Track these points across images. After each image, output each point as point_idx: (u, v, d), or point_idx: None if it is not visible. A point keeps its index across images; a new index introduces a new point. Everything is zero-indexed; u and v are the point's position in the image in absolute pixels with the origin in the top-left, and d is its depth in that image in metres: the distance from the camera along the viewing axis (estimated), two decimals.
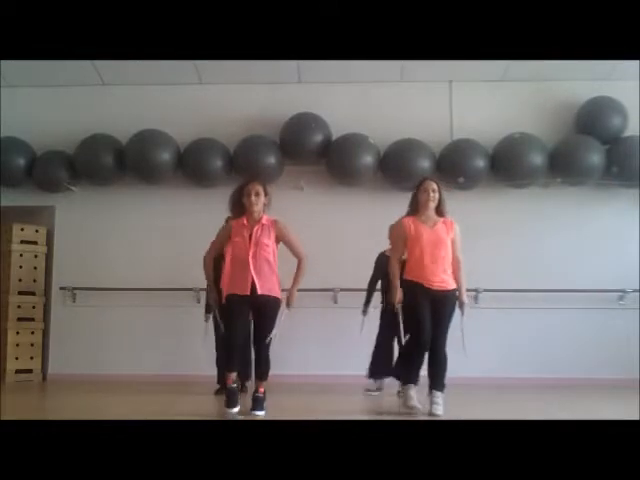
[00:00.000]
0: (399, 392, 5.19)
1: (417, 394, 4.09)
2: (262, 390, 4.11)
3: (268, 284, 4.03)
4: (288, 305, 4.10)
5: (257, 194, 4.06)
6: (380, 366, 5.31)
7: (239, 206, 4.13)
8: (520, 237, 6.39)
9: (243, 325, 4.11)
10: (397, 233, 4.30)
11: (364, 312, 5.41)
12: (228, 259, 4.10)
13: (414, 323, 4.08)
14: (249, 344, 4.27)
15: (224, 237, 4.18)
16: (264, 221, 4.10)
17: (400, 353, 4.67)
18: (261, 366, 4.11)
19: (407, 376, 4.20)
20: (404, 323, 4.22)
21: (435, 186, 4.19)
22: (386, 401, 5.12)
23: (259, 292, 3.99)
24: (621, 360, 6.13)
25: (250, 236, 4.03)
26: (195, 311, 6.23)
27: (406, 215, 4.28)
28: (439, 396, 4.05)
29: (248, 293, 3.99)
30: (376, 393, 5.27)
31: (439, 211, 4.21)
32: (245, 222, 4.08)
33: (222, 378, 5.45)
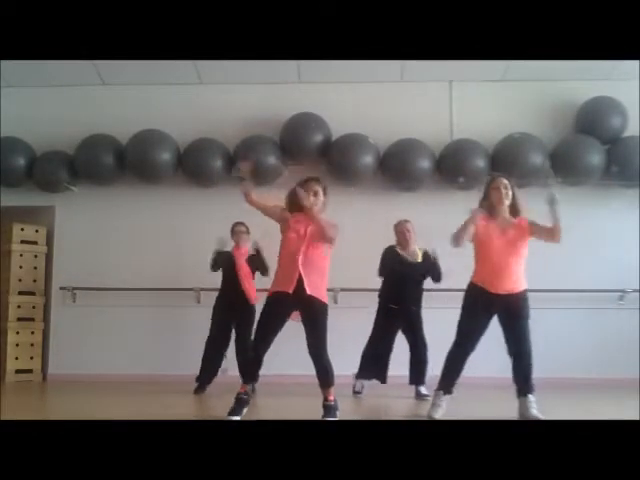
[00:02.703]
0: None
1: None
2: (331, 398, 3.83)
3: (316, 284, 3.80)
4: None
5: (316, 194, 3.90)
6: (371, 367, 5.30)
7: (297, 205, 3.90)
8: None
9: (276, 330, 3.86)
10: (470, 222, 3.97)
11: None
12: (280, 257, 3.92)
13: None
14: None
15: (275, 214, 3.95)
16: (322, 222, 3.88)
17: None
18: (321, 375, 3.83)
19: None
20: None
21: (507, 182, 3.99)
22: (385, 402, 5.13)
23: (307, 291, 3.76)
24: (621, 360, 6.12)
25: (305, 233, 3.83)
26: (195, 311, 6.24)
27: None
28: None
29: (291, 291, 3.76)
30: (362, 394, 5.26)
31: (513, 210, 4.00)
32: (302, 219, 3.89)
33: (203, 377, 5.48)
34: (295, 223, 3.89)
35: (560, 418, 3.61)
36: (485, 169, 6.37)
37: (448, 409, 3.98)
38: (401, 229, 5.32)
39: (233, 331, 5.55)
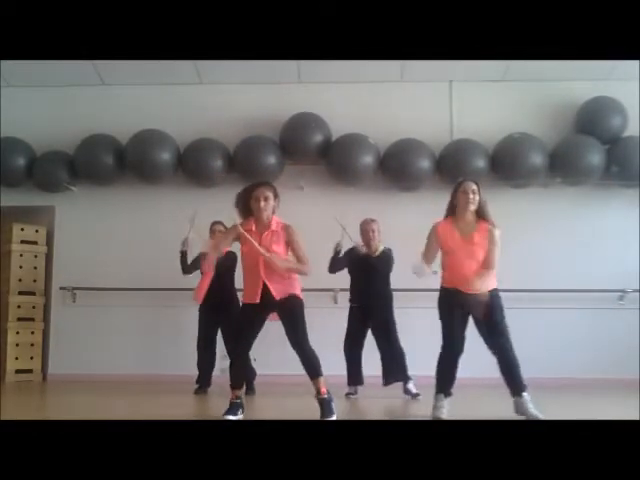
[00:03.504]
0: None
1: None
2: (324, 390, 3.81)
3: (282, 286, 3.86)
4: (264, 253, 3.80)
5: (266, 199, 3.87)
6: (354, 373, 5.31)
7: (246, 209, 3.95)
8: (520, 237, 6.37)
9: (250, 338, 3.94)
10: (430, 239, 4.09)
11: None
12: (243, 270, 3.97)
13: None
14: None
15: (227, 238, 4.03)
16: (274, 226, 3.90)
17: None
18: (306, 366, 3.85)
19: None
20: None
21: (475, 187, 3.98)
22: (386, 402, 5.12)
23: (276, 297, 3.84)
24: (621, 360, 6.12)
25: (260, 244, 3.83)
26: (195, 311, 6.23)
27: (442, 220, 4.08)
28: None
29: (258, 301, 3.83)
30: (355, 396, 5.26)
31: (480, 214, 4.00)
32: (253, 229, 3.89)
33: (202, 379, 5.49)
34: (247, 233, 3.86)
35: (560, 418, 3.60)
36: (485, 169, 6.37)
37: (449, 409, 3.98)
38: (366, 228, 5.31)
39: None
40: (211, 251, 4.25)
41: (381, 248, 5.32)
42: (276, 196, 3.96)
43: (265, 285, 3.84)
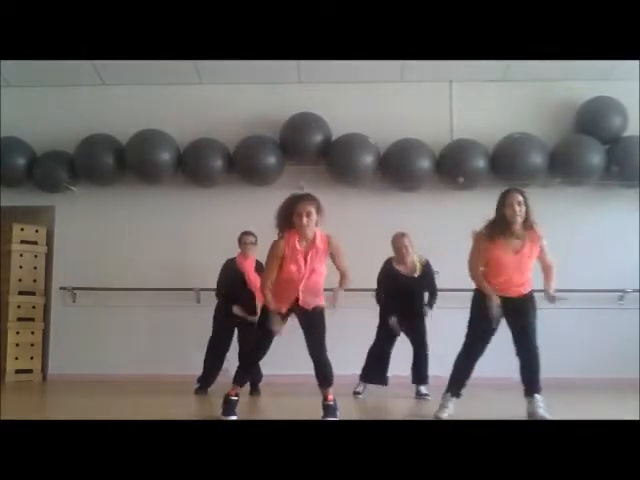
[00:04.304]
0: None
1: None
2: (331, 398, 3.82)
3: (313, 300, 3.81)
4: (334, 304, 3.84)
5: (309, 214, 3.71)
6: (374, 372, 5.32)
7: (288, 223, 3.78)
8: None
9: (269, 345, 3.93)
10: (475, 251, 3.98)
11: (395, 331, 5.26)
12: (279, 279, 3.83)
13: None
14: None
15: (276, 261, 3.80)
16: (318, 242, 3.77)
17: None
18: (320, 375, 3.84)
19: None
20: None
21: (521, 198, 3.86)
22: (385, 402, 5.13)
23: (305, 308, 3.81)
24: (621, 360, 6.12)
25: (305, 263, 3.75)
26: (195, 311, 6.24)
27: (486, 232, 3.93)
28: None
29: (284, 311, 3.82)
30: (362, 396, 5.27)
31: (526, 225, 3.90)
32: (298, 247, 3.75)
33: (205, 379, 5.49)
34: (292, 251, 3.76)
35: (560, 418, 3.61)
36: (485, 169, 6.37)
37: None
38: (399, 245, 5.20)
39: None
40: (267, 292, 3.88)
41: (418, 264, 5.22)
42: (319, 210, 3.78)
43: (297, 297, 3.81)
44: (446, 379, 4.13)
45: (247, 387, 5.08)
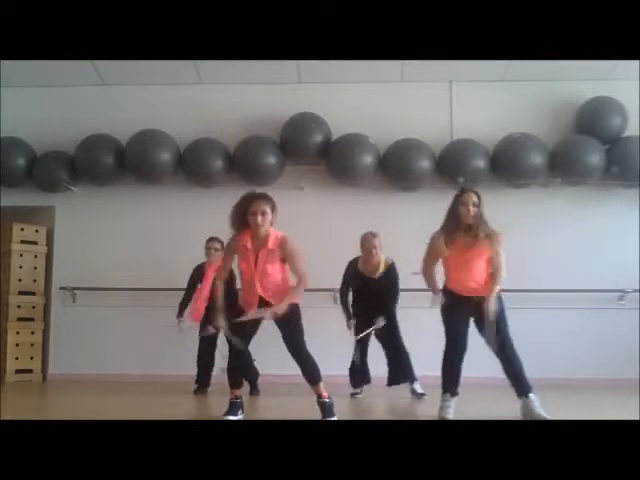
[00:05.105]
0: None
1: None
2: (325, 394, 3.81)
3: (280, 296, 3.79)
4: (272, 314, 3.76)
5: (264, 213, 3.71)
6: (359, 377, 5.33)
7: (242, 222, 3.79)
8: (520, 237, 6.37)
9: (248, 342, 3.95)
10: (430, 249, 4.08)
11: (356, 335, 5.24)
12: (241, 278, 3.94)
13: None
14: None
15: (229, 259, 3.94)
16: (270, 244, 3.76)
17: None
18: (305, 372, 3.85)
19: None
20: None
21: (476, 199, 3.92)
22: (391, 402, 5.12)
23: (273, 304, 3.80)
24: (621, 360, 6.12)
25: (255, 263, 3.77)
26: None
27: (440, 231, 4.03)
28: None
29: (252, 309, 3.83)
30: (361, 395, 5.28)
31: (480, 226, 3.94)
32: (250, 246, 3.77)
33: (201, 379, 5.52)
34: (243, 250, 3.79)
35: (560, 418, 3.61)
36: (485, 169, 6.37)
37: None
38: (369, 246, 5.14)
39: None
40: (219, 283, 3.97)
41: (382, 266, 5.19)
42: (274, 209, 3.79)
43: (262, 297, 3.83)
44: (435, 378, 4.13)
45: (247, 387, 5.10)
